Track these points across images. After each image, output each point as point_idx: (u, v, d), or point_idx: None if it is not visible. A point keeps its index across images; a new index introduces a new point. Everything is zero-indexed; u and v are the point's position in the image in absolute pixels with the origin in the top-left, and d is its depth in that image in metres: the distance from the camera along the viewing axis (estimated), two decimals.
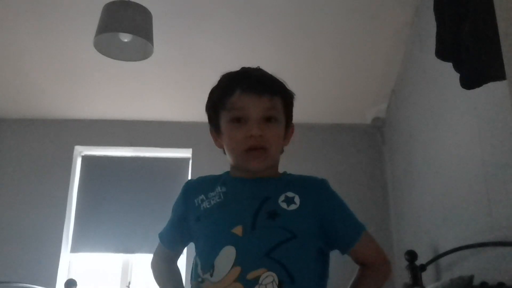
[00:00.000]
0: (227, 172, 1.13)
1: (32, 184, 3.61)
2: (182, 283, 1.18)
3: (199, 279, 1.00)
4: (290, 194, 1.04)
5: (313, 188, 1.07)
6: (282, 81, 1.12)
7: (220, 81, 1.12)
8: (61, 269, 3.45)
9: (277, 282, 0.93)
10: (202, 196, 1.08)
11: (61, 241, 3.50)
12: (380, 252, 1.10)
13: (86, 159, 3.83)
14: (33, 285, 3.10)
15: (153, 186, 3.70)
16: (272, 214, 1.00)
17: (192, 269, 1.05)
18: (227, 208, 1.04)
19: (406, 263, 2.64)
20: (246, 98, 1.05)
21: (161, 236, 1.18)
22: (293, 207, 1.02)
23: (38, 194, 3.58)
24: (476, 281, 2.07)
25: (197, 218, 1.07)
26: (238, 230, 0.99)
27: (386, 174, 3.70)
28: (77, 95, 3.60)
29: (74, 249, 3.58)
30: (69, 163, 3.70)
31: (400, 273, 3.09)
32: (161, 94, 3.58)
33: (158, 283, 1.19)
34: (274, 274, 0.94)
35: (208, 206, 1.06)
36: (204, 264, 1.00)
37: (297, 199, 1.03)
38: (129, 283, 3.48)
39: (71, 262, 3.58)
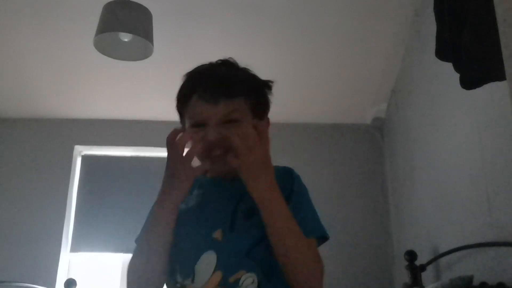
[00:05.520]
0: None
1: (32, 183, 3.61)
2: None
3: (178, 285, 0.98)
4: None
5: (284, 178, 1.03)
6: (251, 76, 1.08)
7: (183, 83, 1.09)
8: (60, 269, 3.45)
9: (256, 283, 0.94)
10: None
11: (61, 241, 3.50)
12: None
13: (86, 159, 3.83)
14: (33, 285, 3.10)
15: (153, 186, 3.67)
16: (248, 213, 0.99)
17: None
18: (205, 211, 1.03)
19: (406, 263, 2.64)
20: (202, 105, 1.00)
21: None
22: None
23: (38, 194, 3.57)
24: (476, 281, 2.08)
25: None
26: (218, 234, 0.98)
27: (386, 174, 3.70)
28: (77, 95, 3.59)
29: (74, 248, 3.58)
30: (69, 163, 3.70)
31: (400, 273, 3.09)
32: (161, 94, 3.57)
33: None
34: (253, 275, 0.94)
35: (184, 208, 1.04)
36: (183, 269, 0.99)
37: None
38: None
39: (70, 261, 3.58)
